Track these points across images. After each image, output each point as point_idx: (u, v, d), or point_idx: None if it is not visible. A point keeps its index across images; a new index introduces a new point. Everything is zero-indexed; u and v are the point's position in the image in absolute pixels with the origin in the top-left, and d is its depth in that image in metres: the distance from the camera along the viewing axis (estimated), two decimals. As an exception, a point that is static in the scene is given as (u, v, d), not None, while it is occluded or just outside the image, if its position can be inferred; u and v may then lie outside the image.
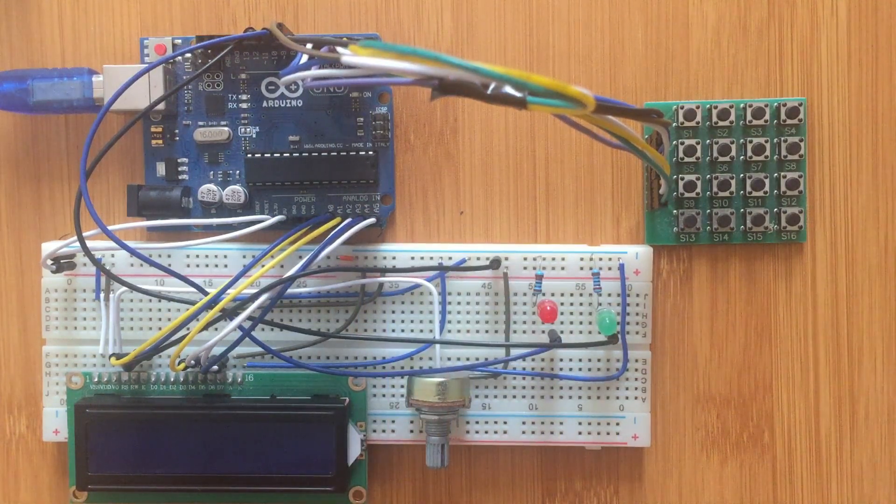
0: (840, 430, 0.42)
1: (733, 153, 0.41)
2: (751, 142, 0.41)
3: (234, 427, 0.40)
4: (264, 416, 0.40)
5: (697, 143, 0.41)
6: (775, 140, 0.41)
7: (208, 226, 0.42)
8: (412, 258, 0.41)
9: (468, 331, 0.41)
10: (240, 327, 0.38)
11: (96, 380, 0.41)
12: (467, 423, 0.42)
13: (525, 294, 0.41)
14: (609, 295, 0.41)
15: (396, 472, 0.43)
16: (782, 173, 0.41)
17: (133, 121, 0.39)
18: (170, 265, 0.41)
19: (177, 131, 0.42)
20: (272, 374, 0.41)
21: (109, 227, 0.37)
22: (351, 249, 0.42)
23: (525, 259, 0.41)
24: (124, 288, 0.40)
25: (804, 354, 0.42)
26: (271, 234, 0.41)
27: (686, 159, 0.41)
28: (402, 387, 0.42)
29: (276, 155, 0.41)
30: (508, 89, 0.29)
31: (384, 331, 0.42)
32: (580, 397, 0.41)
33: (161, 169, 0.42)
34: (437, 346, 0.41)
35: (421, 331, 0.42)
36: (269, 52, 0.42)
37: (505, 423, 0.42)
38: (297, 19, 0.43)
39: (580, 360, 0.41)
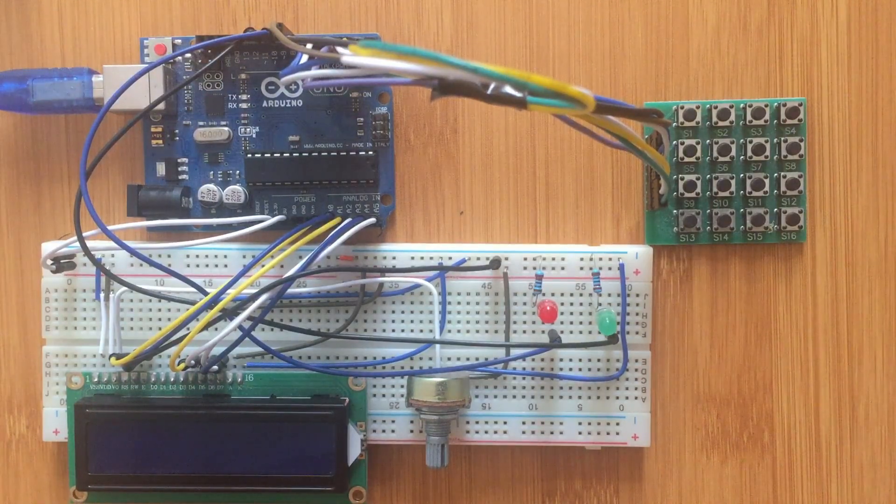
0: (840, 430, 0.42)
1: (733, 153, 0.41)
2: (751, 142, 0.41)
3: (234, 427, 0.40)
4: (264, 416, 0.40)
5: (697, 143, 0.41)
6: (775, 140, 0.41)
7: (208, 226, 0.42)
8: (412, 258, 0.41)
9: (468, 331, 0.41)
10: (240, 327, 0.38)
11: (96, 380, 0.41)
12: (467, 423, 0.42)
13: (525, 294, 0.41)
14: (609, 295, 0.41)
15: (396, 472, 0.43)
16: (782, 173, 0.41)
17: (133, 121, 0.39)
18: (170, 265, 0.41)
19: (177, 131, 0.42)
20: (272, 374, 0.41)
21: (109, 227, 0.37)
22: (351, 249, 0.42)
23: (525, 259, 0.41)
24: (124, 288, 0.40)
25: (804, 354, 0.42)
26: (271, 234, 0.41)
27: (686, 159, 0.41)
28: (402, 387, 0.42)
29: (276, 155, 0.41)
30: (508, 89, 0.29)
31: (384, 331, 0.42)
32: (580, 397, 0.41)
33: (161, 169, 0.42)
34: (437, 346, 0.41)
35: (421, 331, 0.42)
36: (269, 52, 0.42)
37: (505, 423, 0.42)
38: (297, 19, 0.43)
39: (580, 360, 0.41)
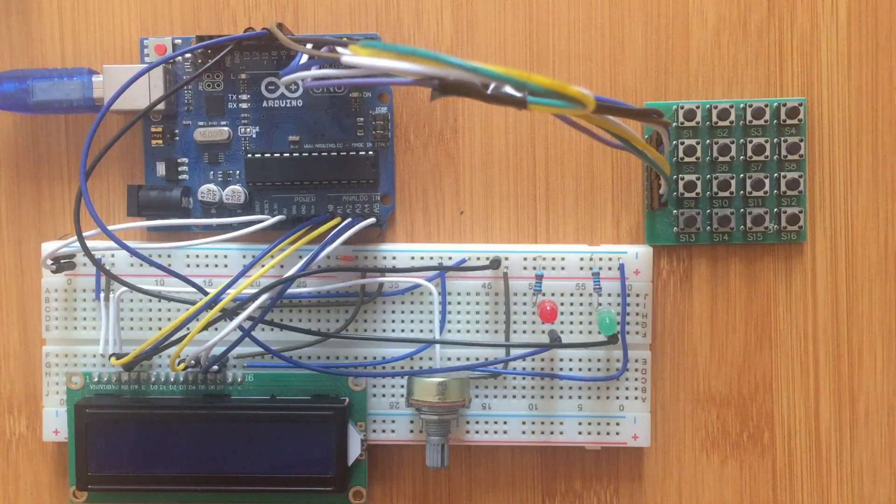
0: (840, 430, 0.42)
1: (733, 153, 0.41)
2: (751, 142, 0.41)
3: (234, 427, 0.40)
4: (264, 416, 0.40)
5: (697, 143, 0.41)
6: (775, 140, 0.41)
7: (208, 226, 0.42)
8: (412, 258, 0.41)
9: (468, 331, 0.41)
10: (240, 327, 0.38)
11: (96, 380, 0.41)
12: (467, 423, 0.42)
13: (525, 294, 0.41)
14: (609, 295, 0.41)
15: (396, 472, 0.43)
16: (782, 173, 0.41)
17: (133, 121, 0.39)
18: (170, 265, 0.41)
19: (177, 131, 0.42)
20: (272, 374, 0.41)
21: (109, 227, 0.38)
22: (351, 249, 0.42)
23: (525, 259, 0.41)
24: (124, 288, 0.40)
25: (804, 354, 0.42)
26: (271, 234, 0.41)
27: (686, 159, 0.41)
28: (402, 387, 0.42)
29: (276, 155, 0.41)
30: (508, 89, 0.29)
31: (384, 331, 0.42)
32: (580, 397, 0.41)
33: (161, 169, 0.42)
34: (437, 346, 0.41)
35: (421, 331, 0.42)
36: (269, 52, 0.42)
37: (505, 423, 0.42)
38: (297, 19, 0.43)
39: (580, 360, 0.41)
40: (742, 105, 0.41)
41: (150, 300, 0.42)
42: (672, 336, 0.43)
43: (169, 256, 0.42)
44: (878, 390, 0.42)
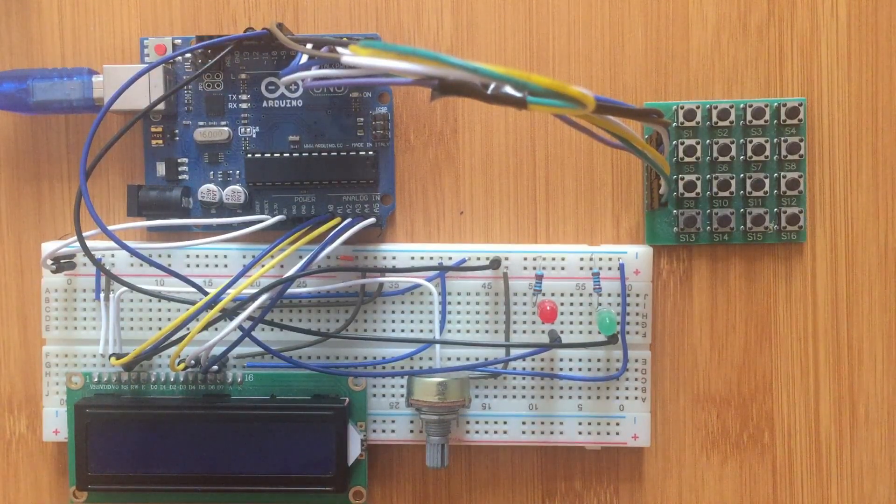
0: (840, 430, 0.42)
1: (733, 153, 0.41)
2: (751, 142, 0.41)
3: (234, 427, 0.40)
4: (264, 416, 0.40)
5: (697, 143, 0.41)
6: (775, 140, 0.41)
7: (208, 226, 0.42)
8: (412, 258, 0.41)
9: (468, 331, 0.41)
10: (240, 327, 0.38)
11: (96, 380, 0.41)
12: (467, 423, 0.42)
13: (525, 294, 0.41)
14: (609, 295, 0.41)
15: (396, 472, 0.43)
16: (782, 173, 0.41)
17: (133, 121, 0.39)
18: (170, 265, 0.41)
19: (177, 131, 0.42)
20: (272, 374, 0.41)
21: (109, 227, 0.38)
22: (351, 249, 0.42)
23: (525, 259, 0.41)
24: (124, 288, 0.40)
25: (804, 354, 0.42)
26: (271, 234, 0.41)
27: (686, 159, 0.41)
28: (402, 387, 0.42)
29: (276, 155, 0.41)
30: (508, 89, 0.29)
31: (384, 331, 0.42)
32: (580, 397, 0.41)
33: (161, 169, 0.42)
34: (437, 346, 0.41)
35: (421, 331, 0.42)
36: (269, 52, 0.42)
37: (505, 423, 0.42)
38: (297, 19, 0.43)
39: (580, 360, 0.41)
40: (742, 105, 0.41)
41: (150, 300, 0.42)
42: (672, 336, 0.43)
43: (169, 256, 0.42)
44: (878, 390, 0.42)
